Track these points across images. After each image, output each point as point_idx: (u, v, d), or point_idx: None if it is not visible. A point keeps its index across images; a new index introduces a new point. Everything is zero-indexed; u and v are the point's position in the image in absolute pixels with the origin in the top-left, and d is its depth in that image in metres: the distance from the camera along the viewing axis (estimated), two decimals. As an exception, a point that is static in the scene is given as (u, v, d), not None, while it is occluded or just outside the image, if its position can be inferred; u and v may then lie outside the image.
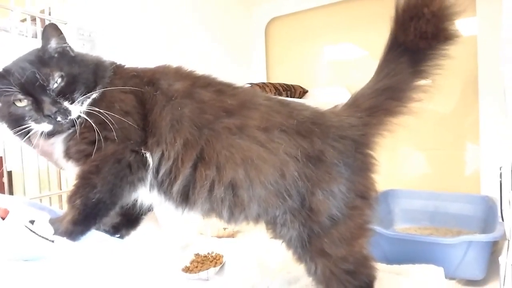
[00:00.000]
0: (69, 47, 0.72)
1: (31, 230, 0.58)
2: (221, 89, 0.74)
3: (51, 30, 0.69)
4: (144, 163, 0.69)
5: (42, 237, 0.58)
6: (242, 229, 1.41)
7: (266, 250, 1.11)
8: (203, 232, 1.38)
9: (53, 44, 0.69)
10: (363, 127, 0.73)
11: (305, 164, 0.69)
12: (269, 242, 1.12)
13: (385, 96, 0.73)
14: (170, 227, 1.29)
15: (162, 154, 0.70)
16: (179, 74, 0.76)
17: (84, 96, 0.68)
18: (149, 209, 0.82)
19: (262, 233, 1.03)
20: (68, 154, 0.70)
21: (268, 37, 2.08)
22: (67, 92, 0.67)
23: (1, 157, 1.08)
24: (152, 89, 0.72)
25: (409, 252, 1.02)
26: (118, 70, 0.75)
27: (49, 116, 0.65)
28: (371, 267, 0.74)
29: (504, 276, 0.76)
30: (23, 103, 0.66)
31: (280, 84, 1.79)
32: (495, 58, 1.13)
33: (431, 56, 0.72)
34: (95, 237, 0.68)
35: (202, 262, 1.12)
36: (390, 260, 1.00)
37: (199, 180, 0.69)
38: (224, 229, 1.38)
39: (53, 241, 0.60)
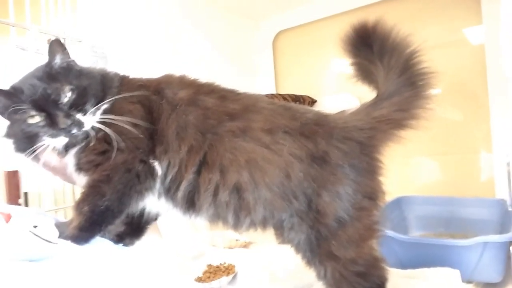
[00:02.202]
0: (73, 61, 0.74)
1: (34, 234, 0.58)
2: (224, 95, 0.75)
3: (56, 46, 0.71)
4: (151, 173, 0.70)
5: (45, 240, 0.59)
6: (255, 240, 1.40)
7: (279, 259, 1.10)
8: (215, 244, 1.37)
9: (58, 59, 0.71)
10: (369, 131, 0.72)
11: (310, 164, 0.69)
12: (281, 252, 1.12)
13: (395, 108, 0.73)
14: (173, 238, 1.29)
15: (169, 162, 0.71)
16: (183, 82, 0.77)
17: (95, 107, 0.70)
18: (155, 218, 0.82)
19: (275, 243, 1.02)
20: (79, 166, 0.71)
21: (276, 49, 2.10)
22: (79, 105, 0.69)
23: (17, 171, 1.11)
24: (158, 98, 0.74)
25: (423, 257, 1.00)
26: (124, 81, 0.77)
27: (64, 129, 0.67)
28: (382, 268, 0.72)
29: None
30: (35, 120, 0.67)
31: (289, 95, 1.80)
32: (503, 64, 1.13)
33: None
34: (101, 243, 0.69)
35: (215, 273, 1.11)
36: (404, 266, 0.98)
37: (203, 184, 0.70)
38: (236, 240, 1.38)
39: (56, 244, 0.60)
